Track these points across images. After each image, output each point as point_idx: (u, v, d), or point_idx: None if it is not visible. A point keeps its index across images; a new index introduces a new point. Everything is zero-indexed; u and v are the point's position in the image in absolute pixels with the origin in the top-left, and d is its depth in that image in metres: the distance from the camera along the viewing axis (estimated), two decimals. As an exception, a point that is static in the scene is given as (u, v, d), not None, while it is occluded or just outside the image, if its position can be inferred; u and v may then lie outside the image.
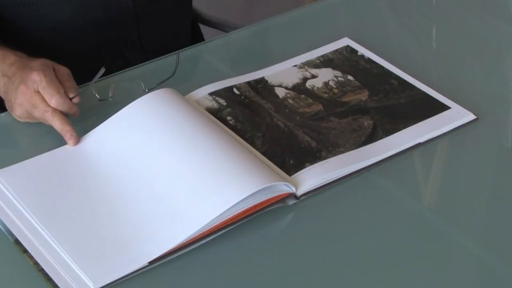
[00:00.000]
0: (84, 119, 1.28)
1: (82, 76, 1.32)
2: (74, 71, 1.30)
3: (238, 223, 1.11)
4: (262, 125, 1.28)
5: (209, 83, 1.35)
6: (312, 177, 1.18)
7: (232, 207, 1.09)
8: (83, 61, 1.41)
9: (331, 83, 1.37)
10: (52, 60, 1.29)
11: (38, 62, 1.27)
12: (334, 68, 1.40)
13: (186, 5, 1.63)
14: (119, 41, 1.51)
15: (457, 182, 1.23)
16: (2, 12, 1.44)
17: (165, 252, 1.07)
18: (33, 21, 1.45)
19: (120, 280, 1.05)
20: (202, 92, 1.34)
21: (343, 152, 1.22)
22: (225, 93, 1.34)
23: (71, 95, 1.25)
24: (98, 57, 1.49)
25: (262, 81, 1.37)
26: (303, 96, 1.34)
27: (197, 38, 1.71)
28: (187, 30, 1.66)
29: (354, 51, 1.44)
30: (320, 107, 1.32)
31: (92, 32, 1.48)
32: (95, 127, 1.25)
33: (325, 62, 1.42)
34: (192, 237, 1.08)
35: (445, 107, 1.31)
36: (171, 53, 1.44)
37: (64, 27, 1.46)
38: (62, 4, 1.44)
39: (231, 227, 1.11)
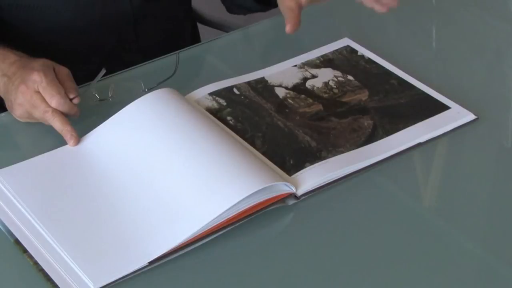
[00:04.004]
0: (84, 119, 1.28)
1: (80, 77, 1.32)
2: (72, 72, 1.30)
3: (238, 223, 1.11)
4: (262, 125, 1.28)
5: (209, 83, 1.35)
6: (312, 177, 1.18)
7: (232, 207, 1.09)
8: (81, 63, 1.41)
9: (331, 83, 1.37)
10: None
11: (38, 62, 1.27)
12: (334, 68, 1.40)
13: (184, 6, 1.63)
14: (117, 43, 1.52)
15: (457, 182, 1.23)
16: (0, 13, 1.44)
17: (165, 252, 1.07)
18: (30, 22, 1.45)
19: (120, 280, 1.05)
20: (202, 92, 1.34)
21: (343, 152, 1.22)
22: (225, 93, 1.34)
23: (71, 96, 1.25)
24: (95, 59, 1.49)
25: (262, 81, 1.37)
26: (303, 96, 1.34)
27: (195, 39, 1.71)
28: (186, 32, 1.66)
29: (354, 51, 1.44)
30: (320, 107, 1.32)
31: (90, 34, 1.48)
32: (95, 127, 1.25)
33: (325, 62, 1.42)
34: (192, 237, 1.08)
35: (445, 107, 1.31)
36: (171, 53, 1.44)
37: (61, 30, 1.46)
38: (59, 6, 1.44)
39: (231, 227, 1.11)
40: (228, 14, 1.70)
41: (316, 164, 1.20)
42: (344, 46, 1.45)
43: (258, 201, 1.12)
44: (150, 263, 1.06)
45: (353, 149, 1.23)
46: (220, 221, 1.09)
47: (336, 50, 1.44)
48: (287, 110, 1.31)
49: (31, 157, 1.22)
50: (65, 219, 1.12)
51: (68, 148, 1.24)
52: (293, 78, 1.38)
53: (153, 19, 1.54)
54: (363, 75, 1.39)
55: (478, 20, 1.58)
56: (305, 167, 1.19)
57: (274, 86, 1.36)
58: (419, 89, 1.35)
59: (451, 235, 1.14)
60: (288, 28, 1.35)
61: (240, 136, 1.25)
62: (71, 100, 1.25)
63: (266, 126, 1.28)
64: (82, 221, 1.12)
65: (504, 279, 1.08)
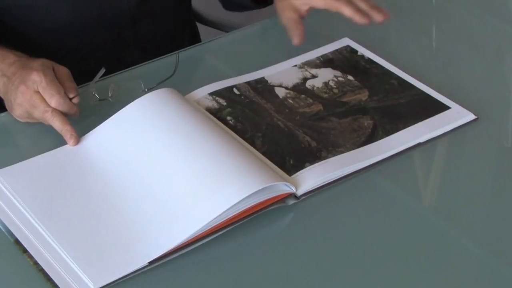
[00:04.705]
0: (84, 119, 1.28)
1: (80, 77, 1.32)
2: (71, 72, 1.30)
3: (238, 223, 1.11)
4: (262, 125, 1.28)
5: (209, 83, 1.35)
6: (312, 177, 1.18)
7: (232, 207, 1.09)
8: (80, 62, 1.41)
9: (331, 83, 1.37)
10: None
11: (38, 62, 1.27)
12: (334, 68, 1.40)
13: (183, 6, 1.63)
14: (115, 41, 1.52)
15: (457, 182, 1.23)
16: (-1, 14, 1.44)
17: (165, 252, 1.07)
18: (29, 23, 1.46)
19: (120, 280, 1.05)
20: (202, 92, 1.34)
21: (343, 152, 1.22)
22: (225, 93, 1.34)
23: (71, 95, 1.25)
24: (94, 58, 1.49)
25: (262, 81, 1.37)
26: (303, 96, 1.34)
27: (194, 38, 1.71)
28: (186, 32, 1.66)
29: (354, 51, 1.44)
30: (320, 107, 1.32)
31: (88, 34, 1.48)
32: (95, 127, 1.25)
33: (325, 62, 1.42)
34: (192, 237, 1.08)
35: (445, 107, 1.31)
36: (171, 53, 1.44)
37: (59, 29, 1.46)
38: (57, 6, 1.44)
39: (231, 227, 1.11)
40: (228, 13, 1.70)
41: (316, 164, 1.20)
42: (344, 46, 1.45)
43: (258, 201, 1.12)
44: (150, 263, 1.06)
45: (353, 149, 1.23)
46: (220, 221, 1.09)
47: (336, 50, 1.44)
48: (287, 110, 1.31)
49: (31, 157, 1.22)
50: (65, 219, 1.12)
51: (68, 148, 1.24)
52: (293, 78, 1.38)
53: (152, 19, 1.54)
54: (363, 75, 1.39)
55: (478, 20, 1.58)
56: (305, 167, 1.19)
57: (274, 86, 1.36)
58: (419, 89, 1.35)
59: (451, 235, 1.14)
60: (296, 41, 1.40)
61: (240, 136, 1.25)
62: (70, 99, 1.25)
63: (266, 126, 1.28)
64: (82, 221, 1.12)
65: (504, 279, 1.08)
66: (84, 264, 1.06)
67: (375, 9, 1.37)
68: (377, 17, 1.37)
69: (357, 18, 1.36)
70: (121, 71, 1.41)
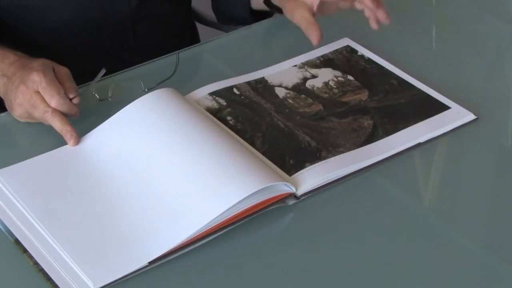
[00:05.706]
0: (84, 119, 1.28)
1: (80, 77, 1.32)
2: (71, 72, 1.30)
3: (238, 223, 1.11)
4: (262, 125, 1.28)
5: (209, 83, 1.35)
6: (312, 177, 1.18)
7: (232, 207, 1.09)
8: (80, 63, 1.41)
9: (331, 83, 1.37)
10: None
11: (38, 62, 1.27)
12: (334, 68, 1.40)
13: (183, 6, 1.63)
14: (115, 43, 1.52)
15: (457, 182, 1.23)
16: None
17: (165, 252, 1.07)
18: (29, 23, 1.46)
19: (120, 280, 1.05)
20: (202, 92, 1.34)
21: (343, 152, 1.22)
22: (225, 93, 1.34)
23: (71, 96, 1.25)
24: (94, 59, 1.49)
25: (262, 81, 1.37)
26: (303, 96, 1.34)
27: (194, 38, 1.71)
28: (185, 32, 1.66)
29: (354, 51, 1.44)
30: (320, 107, 1.32)
31: (88, 35, 1.48)
32: (95, 127, 1.25)
33: (325, 62, 1.42)
34: (192, 237, 1.08)
35: (445, 107, 1.31)
36: (171, 53, 1.44)
37: (59, 30, 1.46)
38: (57, 6, 1.44)
39: (231, 227, 1.11)
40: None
41: (316, 164, 1.20)
42: (344, 46, 1.45)
43: (258, 201, 1.12)
44: (150, 263, 1.06)
45: (353, 149, 1.23)
46: (220, 221, 1.09)
47: (336, 50, 1.44)
48: (287, 110, 1.31)
49: (31, 157, 1.22)
50: (65, 219, 1.12)
51: (68, 148, 1.24)
52: (293, 78, 1.38)
53: (152, 20, 1.54)
54: (363, 75, 1.39)
55: (478, 20, 1.58)
56: (305, 167, 1.19)
57: (274, 86, 1.36)
58: (419, 89, 1.35)
59: (451, 235, 1.14)
60: (315, 41, 1.34)
61: (240, 136, 1.25)
62: (70, 100, 1.25)
63: (266, 126, 1.28)
64: (82, 221, 1.12)
65: (504, 279, 1.08)
66: (84, 264, 1.06)
67: (381, 8, 1.35)
68: (380, 14, 1.35)
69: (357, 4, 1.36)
70: (121, 71, 1.41)
